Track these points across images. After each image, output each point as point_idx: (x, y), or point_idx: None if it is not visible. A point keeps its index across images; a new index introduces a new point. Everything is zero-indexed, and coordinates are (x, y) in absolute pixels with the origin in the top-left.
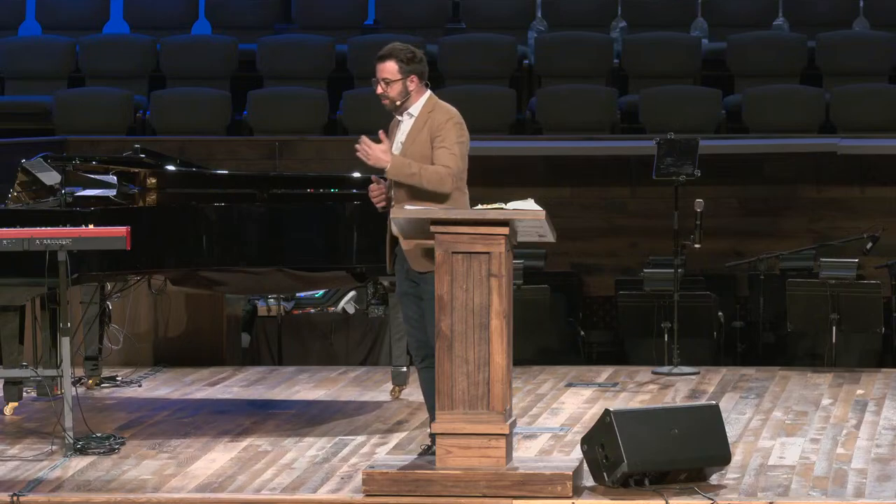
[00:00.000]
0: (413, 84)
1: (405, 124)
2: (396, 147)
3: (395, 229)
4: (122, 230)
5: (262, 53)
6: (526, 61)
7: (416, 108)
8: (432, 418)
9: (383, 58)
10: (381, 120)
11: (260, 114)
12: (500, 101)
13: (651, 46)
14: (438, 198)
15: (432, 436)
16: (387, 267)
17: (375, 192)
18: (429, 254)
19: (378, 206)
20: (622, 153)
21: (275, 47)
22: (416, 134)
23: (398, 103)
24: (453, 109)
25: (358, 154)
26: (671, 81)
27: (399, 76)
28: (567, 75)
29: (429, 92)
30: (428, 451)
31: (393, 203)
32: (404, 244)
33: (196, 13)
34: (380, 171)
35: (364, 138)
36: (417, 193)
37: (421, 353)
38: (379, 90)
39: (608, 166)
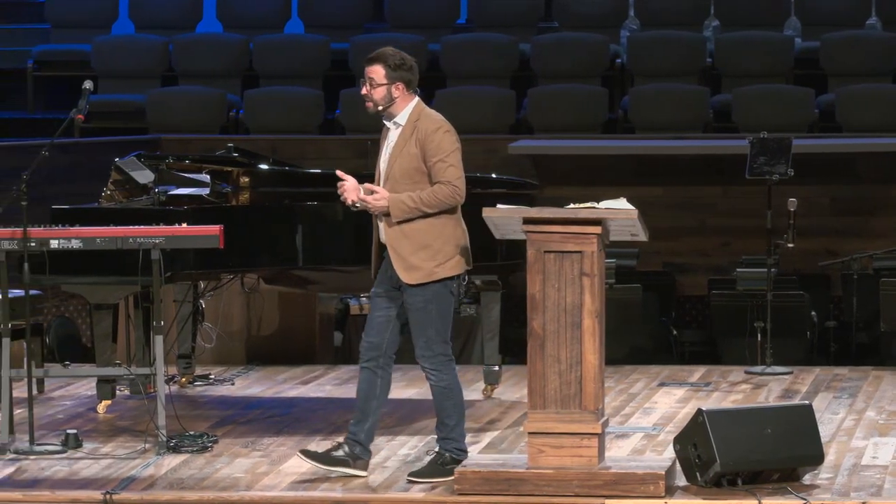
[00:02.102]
0: (398, 91)
1: (392, 133)
2: (385, 158)
3: (382, 236)
4: (215, 229)
5: (355, 52)
6: (618, 60)
7: (402, 116)
8: (355, 419)
9: (372, 60)
10: (474, 118)
11: (352, 113)
12: (592, 100)
13: (744, 45)
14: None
15: (346, 435)
16: (372, 273)
17: (341, 186)
18: (414, 266)
19: (346, 203)
20: (714, 152)
21: (367, 46)
22: (404, 144)
23: (380, 108)
24: (440, 117)
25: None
26: (764, 80)
27: (385, 81)
28: (659, 74)
29: (416, 99)
30: (337, 448)
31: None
32: (393, 258)
33: (289, 12)
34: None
35: (361, 196)
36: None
37: (369, 354)
38: (364, 91)
39: (700, 165)
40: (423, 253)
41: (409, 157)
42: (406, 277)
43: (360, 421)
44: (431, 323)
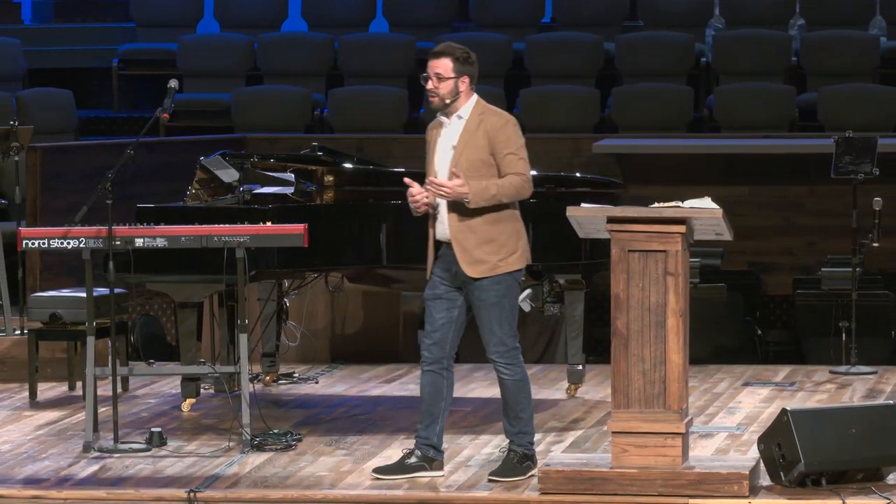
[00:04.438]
0: (464, 85)
1: (454, 127)
2: (447, 151)
3: (442, 233)
4: (299, 228)
5: None
6: (703, 59)
7: (465, 110)
8: (424, 423)
9: (439, 54)
10: (558, 117)
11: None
12: (677, 99)
13: (829, 44)
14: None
15: (416, 440)
16: (427, 272)
17: (417, 195)
18: (478, 260)
19: (418, 210)
20: (800, 151)
21: None
22: (470, 137)
23: (447, 101)
24: (506, 112)
25: (429, 196)
26: (849, 80)
27: (452, 74)
28: (745, 73)
29: (476, 95)
30: (409, 455)
31: (437, 209)
32: (457, 251)
33: (374, 11)
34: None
35: (432, 179)
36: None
37: (433, 357)
38: (430, 86)
39: (786, 164)
40: (488, 247)
41: (477, 149)
42: (470, 271)
43: (430, 424)
44: (505, 317)
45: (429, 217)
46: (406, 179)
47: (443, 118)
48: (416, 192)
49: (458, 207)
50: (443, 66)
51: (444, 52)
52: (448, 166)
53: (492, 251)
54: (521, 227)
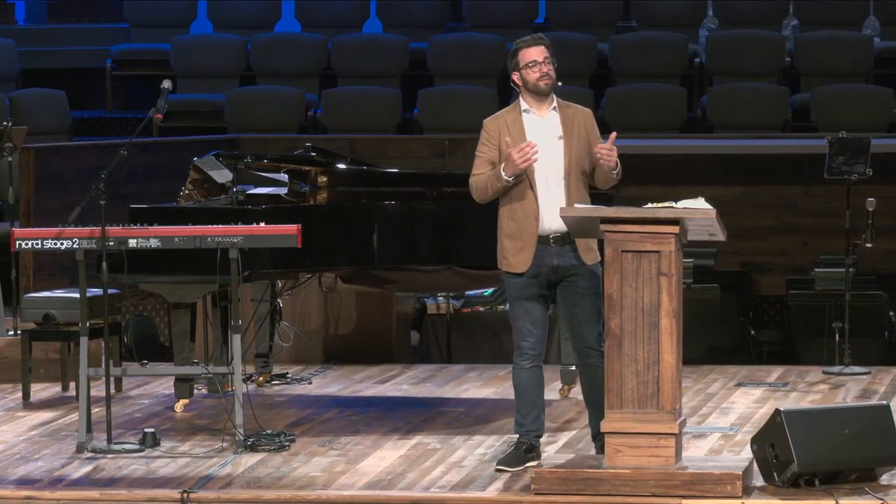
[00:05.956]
0: None
1: (549, 119)
2: (552, 142)
3: (552, 225)
4: (293, 228)
5: (433, 52)
6: (697, 59)
7: (552, 101)
8: (528, 415)
9: (540, 40)
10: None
11: (430, 112)
12: (670, 100)
13: (823, 45)
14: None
15: (525, 433)
16: (528, 265)
17: (528, 149)
18: (590, 248)
19: (526, 164)
20: (793, 151)
21: (445, 46)
22: (573, 127)
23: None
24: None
25: (604, 159)
26: (843, 80)
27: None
28: (738, 73)
29: None
30: (521, 445)
31: (548, 201)
32: (578, 240)
33: (367, 12)
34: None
35: (604, 145)
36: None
37: (535, 353)
38: (546, 69)
39: (780, 165)
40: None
41: (582, 140)
42: (586, 258)
43: (537, 416)
44: (601, 308)
45: (526, 211)
46: (508, 139)
47: (528, 109)
48: (529, 147)
49: (580, 197)
50: (548, 52)
51: (541, 40)
52: (560, 157)
53: (594, 238)
54: None
